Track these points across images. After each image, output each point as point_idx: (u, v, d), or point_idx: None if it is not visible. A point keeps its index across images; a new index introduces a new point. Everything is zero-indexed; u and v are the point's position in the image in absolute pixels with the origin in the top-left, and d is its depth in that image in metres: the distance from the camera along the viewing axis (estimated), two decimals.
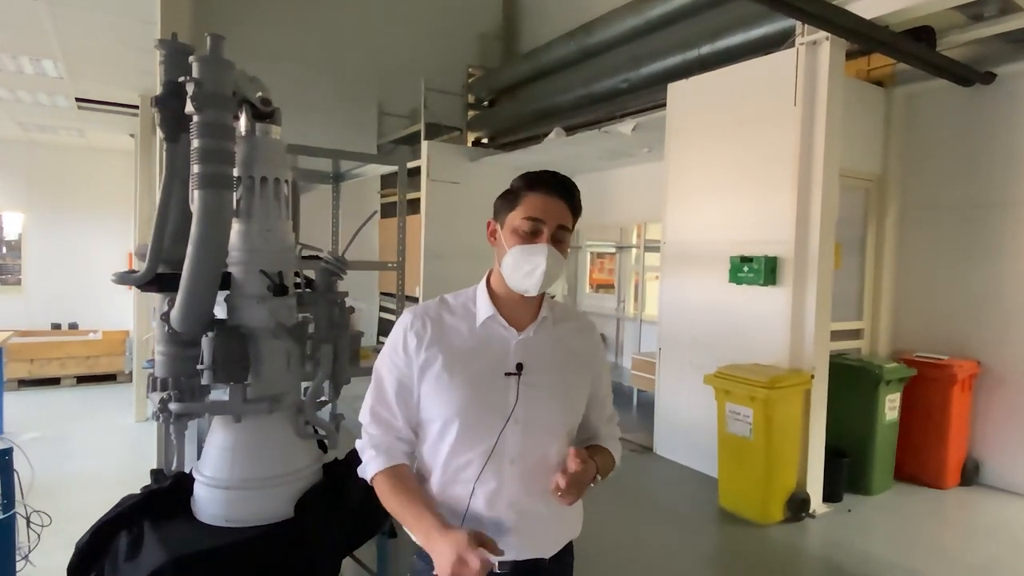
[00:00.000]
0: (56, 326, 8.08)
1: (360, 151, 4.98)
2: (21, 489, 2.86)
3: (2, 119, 6.81)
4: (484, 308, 1.27)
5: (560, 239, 1.22)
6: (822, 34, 3.79)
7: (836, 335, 4.48)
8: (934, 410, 4.34)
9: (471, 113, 8.66)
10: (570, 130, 6.57)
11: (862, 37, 3.67)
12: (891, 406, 4.26)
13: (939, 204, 4.69)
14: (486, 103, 8.84)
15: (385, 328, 8.00)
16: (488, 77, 8.64)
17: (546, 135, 6.72)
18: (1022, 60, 4.21)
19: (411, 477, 1.27)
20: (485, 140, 8.57)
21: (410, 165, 7.74)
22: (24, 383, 6.68)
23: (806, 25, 3.84)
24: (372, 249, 7.79)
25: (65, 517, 1.92)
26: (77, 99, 5.73)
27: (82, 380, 6.98)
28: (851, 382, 4.23)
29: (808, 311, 3.99)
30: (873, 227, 4.93)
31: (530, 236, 1.20)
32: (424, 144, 7.42)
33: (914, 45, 3.91)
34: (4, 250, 8.72)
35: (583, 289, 8.55)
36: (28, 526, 2.76)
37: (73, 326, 8.14)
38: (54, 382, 6.86)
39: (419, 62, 8.14)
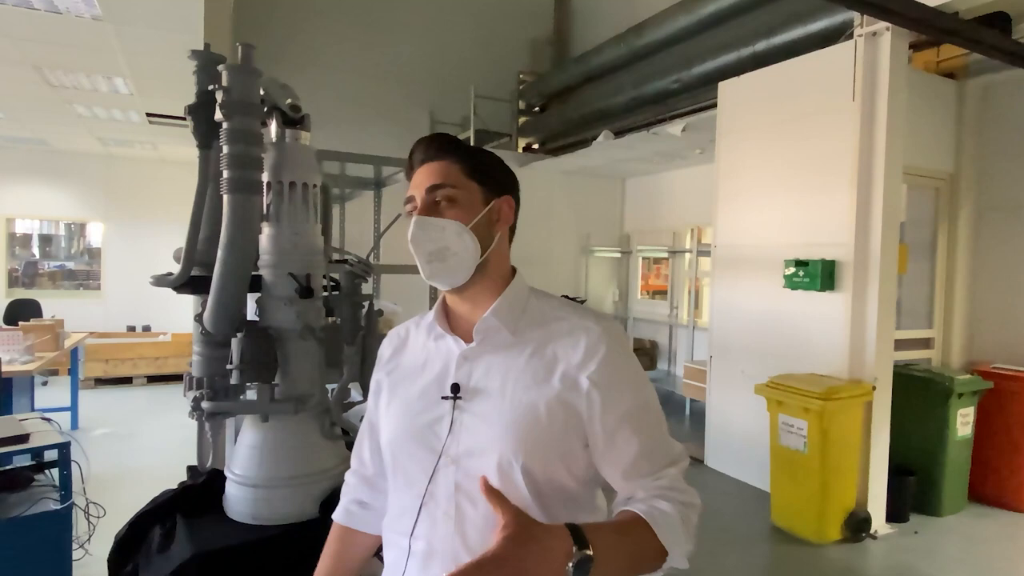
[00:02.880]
0: (131, 328, 8.56)
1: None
2: (83, 480, 3.03)
3: (83, 135, 7.32)
4: (432, 315, 1.03)
5: (437, 200, 0.93)
6: (882, 24, 3.58)
7: (903, 344, 4.21)
8: (1014, 426, 4.00)
9: (521, 119, 8.67)
10: (620, 133, 6.48)
11: (926, 25, 3.43)
12: (964, 421, 3.95)
13: (1019, 203, 4.33)
14: (537, 108, 8.84)
15: None
16: (539, 82, 8.63)
17: (595, 138, 6.65)
18: None
19: (350, 548, 1.13)
20: (536, 146, 8.56)
21: None
22: (100, 381, 7.13)
23: (865, 16, 3.64)
24: None
25: (123, 509, 2.04)
26: (147, 114, 6.09)
27: (152, 380, 7.37)
28: (919, 394, 3.96)
29: (869, 318, 3.76)
30: (945, 229, 4.61)
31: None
32: None
33: (986, 32, 3.63)
34: (87, 258, 9.34)
35: (635, 295, 8.39)
36: (87, 517, 2.92)
37: (147, 329, 8.60)
38: (127, 381, 7.28)
39: (471, 69, 8.23)
